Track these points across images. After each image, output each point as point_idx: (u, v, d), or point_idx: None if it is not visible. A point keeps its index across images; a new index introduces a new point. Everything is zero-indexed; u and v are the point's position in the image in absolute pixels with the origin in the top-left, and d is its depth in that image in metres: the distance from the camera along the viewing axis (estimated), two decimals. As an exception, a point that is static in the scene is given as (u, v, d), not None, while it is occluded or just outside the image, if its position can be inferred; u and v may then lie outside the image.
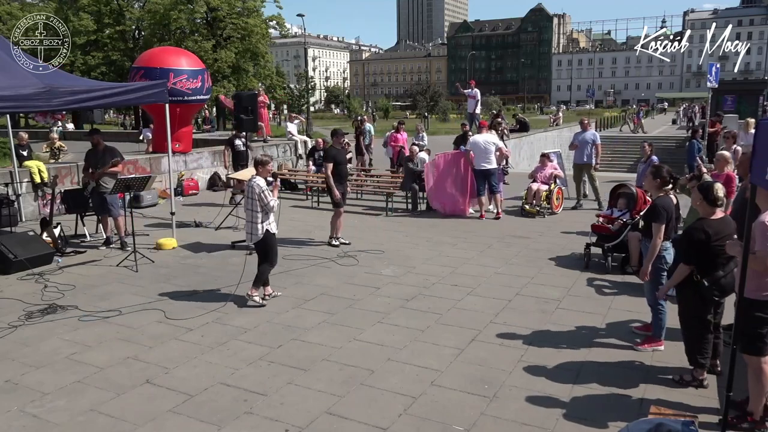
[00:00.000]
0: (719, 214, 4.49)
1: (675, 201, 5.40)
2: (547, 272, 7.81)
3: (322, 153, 15.14)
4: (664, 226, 5.08)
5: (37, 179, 11.02)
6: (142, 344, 5.53)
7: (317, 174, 14.72)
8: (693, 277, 4.46)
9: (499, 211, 11.33)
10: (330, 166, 8.89)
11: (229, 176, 12.42)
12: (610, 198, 8.61)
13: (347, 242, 9.34)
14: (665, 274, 5.25)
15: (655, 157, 9.57)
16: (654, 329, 5.42)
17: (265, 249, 6.67)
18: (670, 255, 5.24)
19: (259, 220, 6.50)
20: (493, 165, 11.05)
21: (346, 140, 17.67)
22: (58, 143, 14.65)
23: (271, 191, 6.59)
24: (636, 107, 64.00)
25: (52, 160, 13.84)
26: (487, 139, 11.14)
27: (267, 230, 6.57)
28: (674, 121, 50.21)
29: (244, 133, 12.59)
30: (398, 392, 4.60)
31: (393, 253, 8.77)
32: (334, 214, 9.26)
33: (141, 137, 23.71)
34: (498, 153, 11.17)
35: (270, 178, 6.73)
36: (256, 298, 6.62)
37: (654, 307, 5.35)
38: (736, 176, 7.11)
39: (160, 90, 8.90)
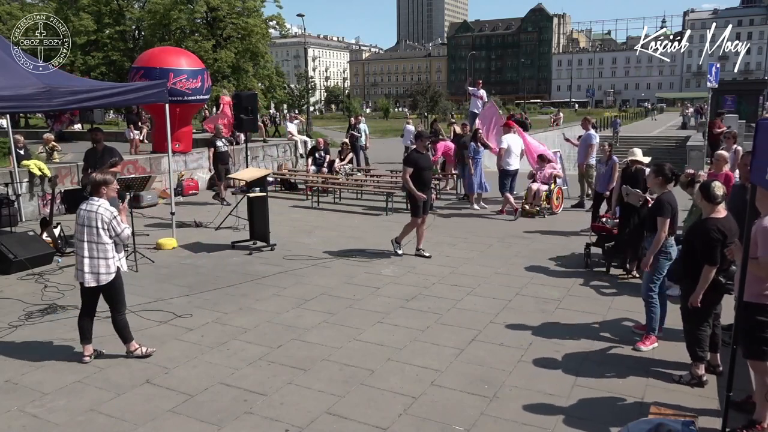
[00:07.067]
0: (722, 212, 4.49)
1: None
2: (547, 272, 7.81)
3: (323, 152, 15.20)
4: (669, 220, 5.14)
5: (37, 173, 11.01)
6: (142, 344, 5.52)
7: (317, 174, 14.76)
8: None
9: (503, 209, 11.79)
10: (410, 170, 8.31)
11: (229, 176, 12.44)
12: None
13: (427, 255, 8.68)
14: (667, 266, 5.31)
15: (615, 158, 9.65)
16: (648, 323, 5.42)
17: (115, 292, 5.13)
18: (674, 250, 5.27)
19: (109, 255, 4.97)
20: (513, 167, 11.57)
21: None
22: (52, 143, 14.63)
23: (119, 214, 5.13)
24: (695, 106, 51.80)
25: (49, 161, 13.82)
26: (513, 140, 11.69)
27: (118, 267, 5.10)
28: (684, 125, 43.82)
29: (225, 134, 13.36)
30: (398, 392, 4.60)
31: (393, 253, 8.76)
32: (411, 223, 8.60)
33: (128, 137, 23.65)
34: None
35: (119, 200, 5.47)
36: (139, 351, 5.28)
37: (647, 300, 5.38)
38: (735, 176, 7.10)
39: (160, 90, 8.90)
